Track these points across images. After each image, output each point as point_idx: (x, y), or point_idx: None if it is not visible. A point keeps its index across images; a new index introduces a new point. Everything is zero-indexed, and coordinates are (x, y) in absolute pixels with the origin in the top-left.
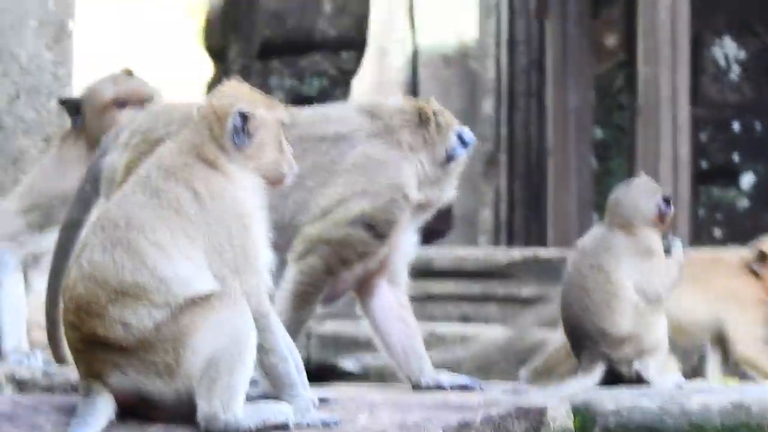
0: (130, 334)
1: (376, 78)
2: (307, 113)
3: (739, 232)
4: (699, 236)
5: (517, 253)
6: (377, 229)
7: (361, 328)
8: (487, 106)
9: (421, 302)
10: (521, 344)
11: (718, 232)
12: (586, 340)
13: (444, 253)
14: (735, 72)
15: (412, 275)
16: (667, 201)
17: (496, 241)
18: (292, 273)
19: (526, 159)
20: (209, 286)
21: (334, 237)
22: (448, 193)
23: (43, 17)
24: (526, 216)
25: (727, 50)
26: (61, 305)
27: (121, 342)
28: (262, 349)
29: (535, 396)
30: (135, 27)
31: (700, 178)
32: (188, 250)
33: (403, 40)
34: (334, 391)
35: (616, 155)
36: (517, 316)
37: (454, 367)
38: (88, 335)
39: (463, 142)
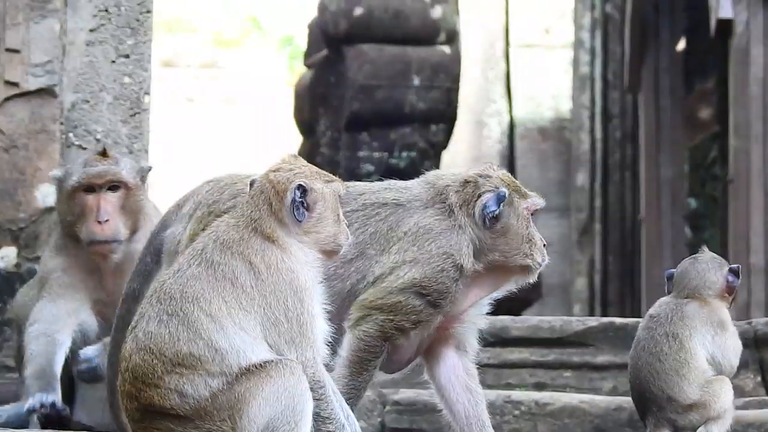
0: (186, 403)
1: (473, 151)
2: (375, 184)
3: None
4: None
5: (593, 321)
6: (429, 297)
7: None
8: (582, 177)
9: (497, 369)
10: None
11: None
12: (653, 405)
13: (520, 322)
14: None
15: (489, 343)
16: (735, 273)
17: (590, 311)
18: (348, 340)
19: (620, 229)
20: (264, 356)
21: (387, 304)
22: (518, 258)
23: (118, 92)
24: (620, 286)
25: None
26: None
27: (178, 411)
28: (319, 417)
29: None
30: (226, 98)
31: None
32: (243, 321)
33: (499, 112)
34: None
35: (710, 226)
36: (592, 383)
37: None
38: (145, 405)
39: (498, 201)
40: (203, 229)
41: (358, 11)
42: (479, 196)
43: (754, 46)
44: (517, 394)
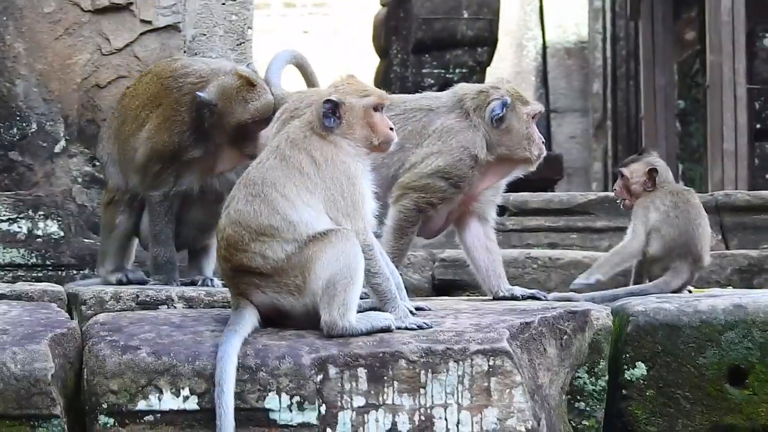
0: (267, 264)
1: (515, 68)
2: (416, 94)
3: None
4: (755, 181)
5: (592, 195)
6: (451, 180)
7: None
8: (597, 86)
9: (520, 233)
10: None
11: None
12: (690, 256)
13: (537, 196)
14: None
15: (513, 213)
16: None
17: (604, 187)
18: (391, 213)
19: (626, 125)
20: (327, 226)
21: (419, 185)
22: (519, 152)
23: (227, 27)
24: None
25: None
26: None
27: (261, 269)
28: (369, 273)
29: (583, 302)
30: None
31: (756, 137)
32: (309, 200)
33: (535, 37)
34: (431, 302)
35: (694, 121)
36: (592, 242)
37: (544, 282)
38: (236, 265)
39: (503, 106)
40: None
41: None
42: (489, 102)
43: None
44: (535, 252)
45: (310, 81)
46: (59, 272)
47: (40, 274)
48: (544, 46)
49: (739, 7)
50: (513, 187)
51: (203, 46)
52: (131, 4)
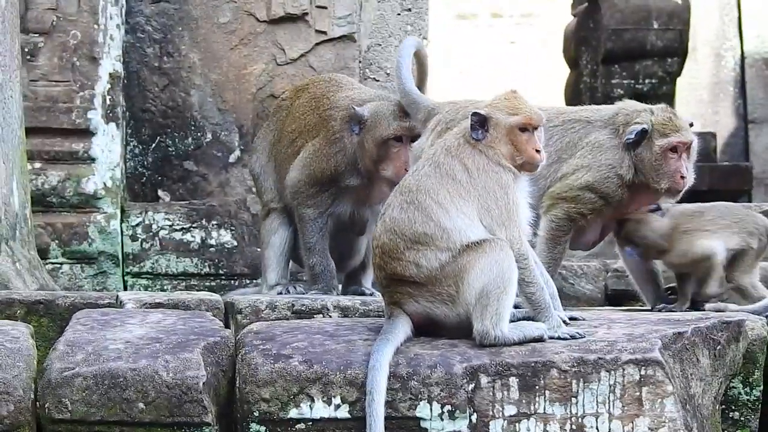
0: (421, 273)
1: (713, 78)
2: (576, 107)
3: None
4: None
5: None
6: (599, 194)
7: None
8: None
9: None
10: None
11: None
12: None
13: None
14: None
15: None
16: None
17: None
18: (542, 223)
19: None
20: (481, 235)
21: (570, 195)
22: (650, 180)
23: (402, 37)
24: None
25: None
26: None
27: (415, 278)
28: (523, 282)
29: (738, 312)
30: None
31: None
32: (463, 207)
33: (733, 47)
34: (586, 312)
35: None
36: None
37: None
38: (390, 274)
39: (638, 133)
40: None
41: None
42: (630, 125)
43: None
44: None
45: (423, 73)
46: (232, 281)
47: (212, 283)
48: (743, 56)
49: None
50: (697, 197)
51: (378, 56)
52: (306, 14)
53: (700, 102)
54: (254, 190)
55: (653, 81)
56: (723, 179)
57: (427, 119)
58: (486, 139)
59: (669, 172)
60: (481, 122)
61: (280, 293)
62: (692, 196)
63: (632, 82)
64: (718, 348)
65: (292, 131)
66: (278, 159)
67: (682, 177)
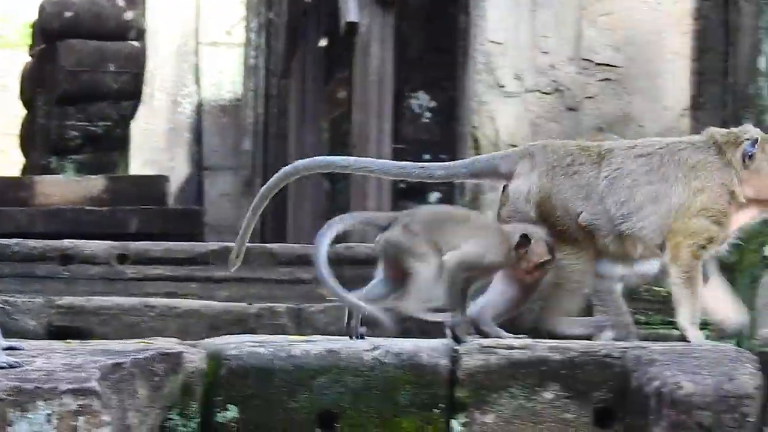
0: None
1: (169, 123)
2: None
3: None
4: None
5: (213, 245)
6: (714, 218)
7: None
8: (248, 143)
9: (140, 282)
10: None
11: None
12: None
13: (158, 245)
14: (426, 117)
15: (134, 261)
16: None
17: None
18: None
19: None
20: None
21: (688, 229)
22: (760, 194)
23: None
24: (274, 224)
25: (421, 101)
26: None
27: None
28: None
29: (177, 345)
30: None
31: (399, 195)
32: None
33: (191, 94)
34: (25, 342)
35: (342, 179)
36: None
37: (161, 330)
38: None
39: (753, 143)
40: None
41: (68, 13)
42: (741, 141)
43: (373, 44)
44: (153, 300)
45: None
46: None
47: None
48: (200, 104)
49: (386, 68)
50: (141, 237)
51: None
52: None
53: (156, 147)
54: None
55: (108, 123)
56: (176, 222)
57: None
58: None
59: None
60: None
61: None
62: (147, 237)
63: (87, 123)
64: (155, 379)
65: None
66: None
67: None
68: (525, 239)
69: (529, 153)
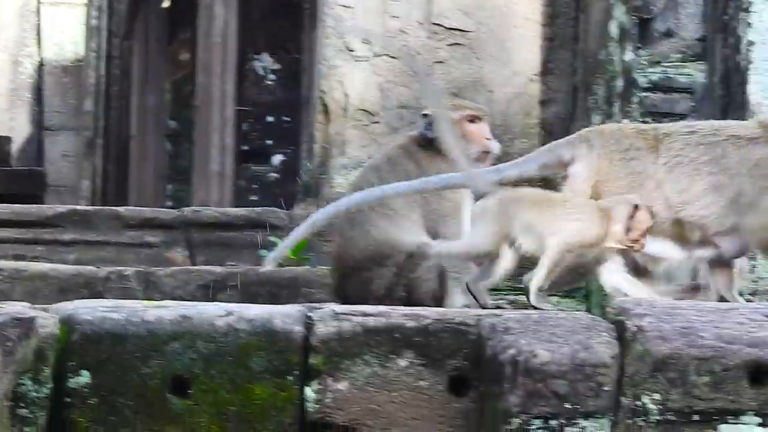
0: None
1: (10, 84)
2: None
3: (270, 197)
4: (240, 201)
5: (61, 207)
6: None
7: None
8: (89, 104)
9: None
10: None
11: (254, 198)
12: None
13: (5, 208)
14: (270, 79)
15: None
16: None
17: (92, 204)
18: None
19: (116, 144)
20: None
21: None
22: None
23: None
24: (117, 185)
25: (265, 63)
26: None
27: None
28: None
29: (30, 309)
30: None
31: (242, 158)
32: None
33: (31, 54)
34: None
35: (185, 141)
36: (59, 255)
37: (9, 293)
38: None
39: None
40: None
41: None
42: None
43: (217, 5)
44: (1, 263)
45: None
46: None
47: None
48: (41, 64)
49: (230, 29)
50: None
51: None
52: None
53: None
54: None
55: None
56: (18, 183)
57: None
58: None
59: None
60: None
61: None
62: None
63: None
64: (8, 344)
65: None
66: None
67: None
68: (636, 208)
69: (587, 138)
